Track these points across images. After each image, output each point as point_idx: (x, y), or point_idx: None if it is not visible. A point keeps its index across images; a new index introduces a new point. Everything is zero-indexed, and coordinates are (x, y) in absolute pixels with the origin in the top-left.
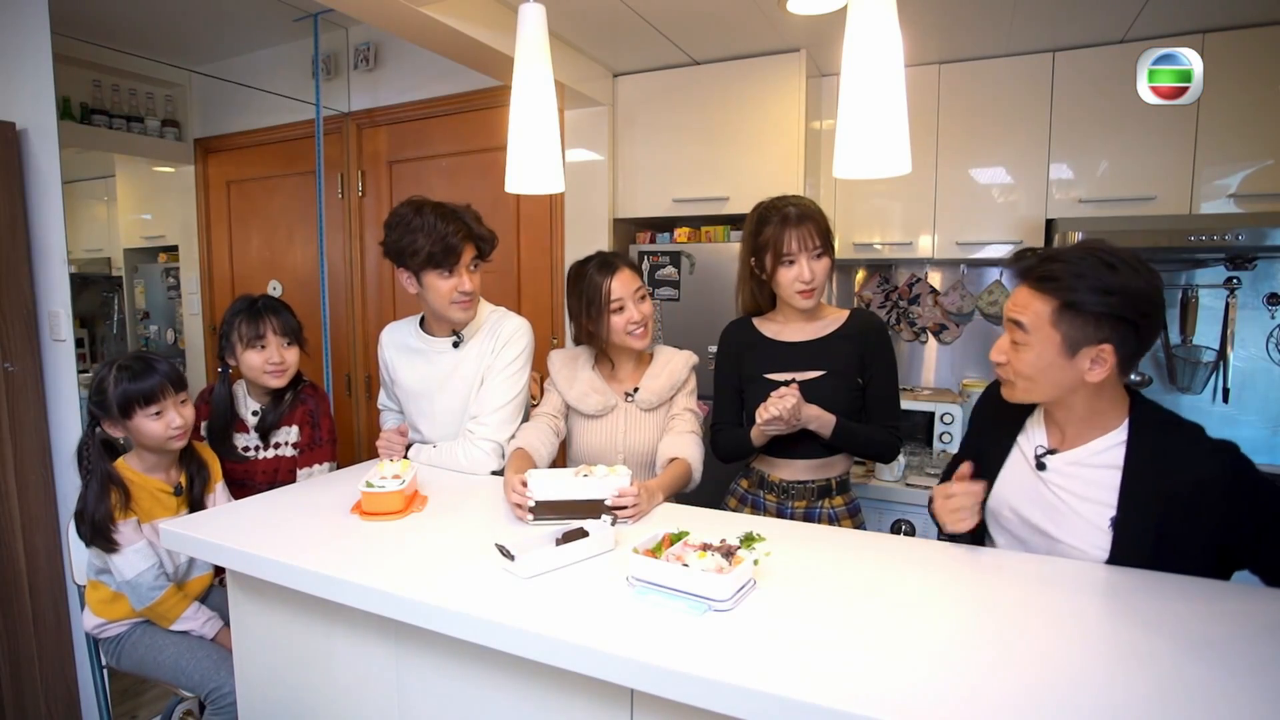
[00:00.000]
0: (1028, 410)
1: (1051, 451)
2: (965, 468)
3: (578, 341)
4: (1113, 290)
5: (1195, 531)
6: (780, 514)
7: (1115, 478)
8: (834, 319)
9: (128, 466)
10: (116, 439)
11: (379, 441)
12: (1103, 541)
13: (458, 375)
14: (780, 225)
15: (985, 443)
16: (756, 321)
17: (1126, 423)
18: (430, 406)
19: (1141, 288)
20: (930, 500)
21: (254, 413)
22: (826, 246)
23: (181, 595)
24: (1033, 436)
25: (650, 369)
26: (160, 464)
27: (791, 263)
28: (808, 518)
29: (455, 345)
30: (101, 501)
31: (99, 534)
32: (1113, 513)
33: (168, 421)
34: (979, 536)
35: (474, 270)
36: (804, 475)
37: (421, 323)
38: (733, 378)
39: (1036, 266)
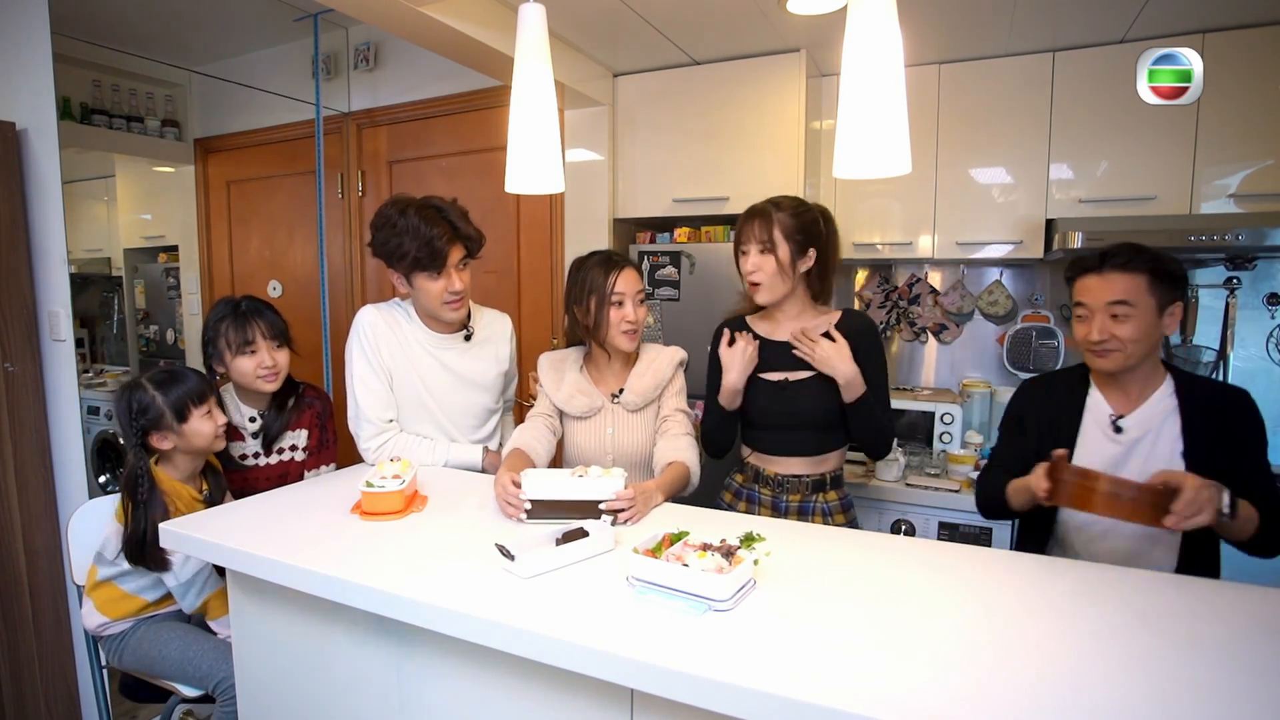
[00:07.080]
0: (1080, 392)
1: (1121, 416)
2: (1060, 453)
3: (570, 334)
4: (1165, 259)
5: (1232, 447)
6: (775, 508)
7: (1176, 421)
8: (828, 319)
9: (166, 476)
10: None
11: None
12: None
13: (474, 371)
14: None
15: (1038, 432)
16: (751, 320)
17: (1168, 374)
18: (447, 401)
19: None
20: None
21: (250, 419)
22: None
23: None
24: (1097, 408)
25: (635, 369)
26: (192, 472)
27: None
28: (802, 512)
29: (466, 339)
30: (155, 521)
31: (155, 558)
32: (1181, 446)
33: (216, 420)
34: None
35: (463, 269)
36: (800, 470)
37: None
38: None
39: (1115, 255)
